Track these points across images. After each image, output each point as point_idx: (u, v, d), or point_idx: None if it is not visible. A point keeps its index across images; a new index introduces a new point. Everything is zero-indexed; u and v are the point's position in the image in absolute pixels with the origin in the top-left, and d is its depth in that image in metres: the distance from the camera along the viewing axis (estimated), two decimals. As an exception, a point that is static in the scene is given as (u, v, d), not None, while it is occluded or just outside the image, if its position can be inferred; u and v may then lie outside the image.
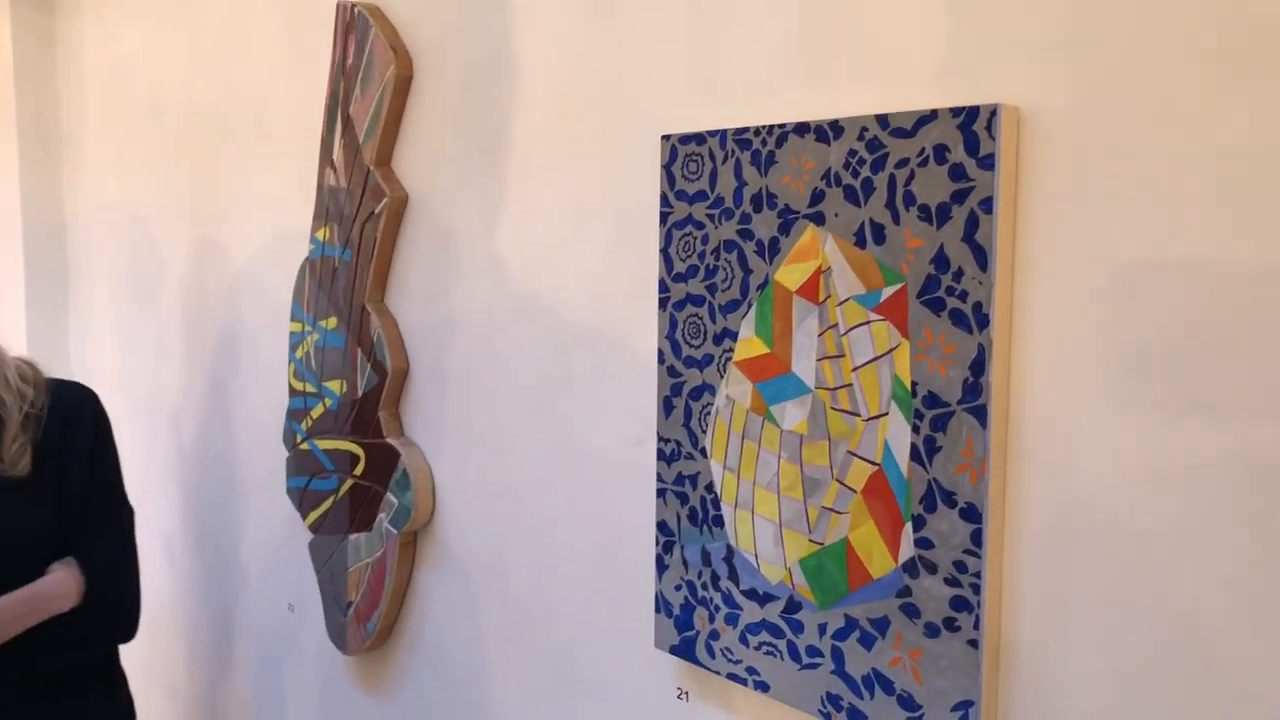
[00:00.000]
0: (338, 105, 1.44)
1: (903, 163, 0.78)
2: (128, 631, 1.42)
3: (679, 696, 1.03)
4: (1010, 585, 0.76)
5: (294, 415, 1.58)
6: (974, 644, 0.76)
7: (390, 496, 1.38)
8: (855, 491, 0.83)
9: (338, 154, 1.44)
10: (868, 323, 0.82)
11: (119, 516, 1.44)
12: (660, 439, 1.00)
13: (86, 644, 1.39)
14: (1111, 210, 0.69)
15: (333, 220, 1.46)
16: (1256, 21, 0.63)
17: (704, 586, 0.97)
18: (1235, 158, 0.64)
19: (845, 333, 0.83)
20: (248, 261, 1.75)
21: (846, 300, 0.83)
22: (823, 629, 0.86)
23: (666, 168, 0.97)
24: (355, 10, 1.39)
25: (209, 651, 1.51)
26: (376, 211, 1.37)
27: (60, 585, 1.34)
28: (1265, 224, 0.63)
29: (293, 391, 1.58)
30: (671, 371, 0.99)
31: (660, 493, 1.00)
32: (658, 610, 1.01)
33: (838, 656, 0.85)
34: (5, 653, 1.32)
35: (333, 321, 1.47)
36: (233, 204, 1.78)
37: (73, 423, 1.42)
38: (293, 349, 1.57)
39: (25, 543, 1.39)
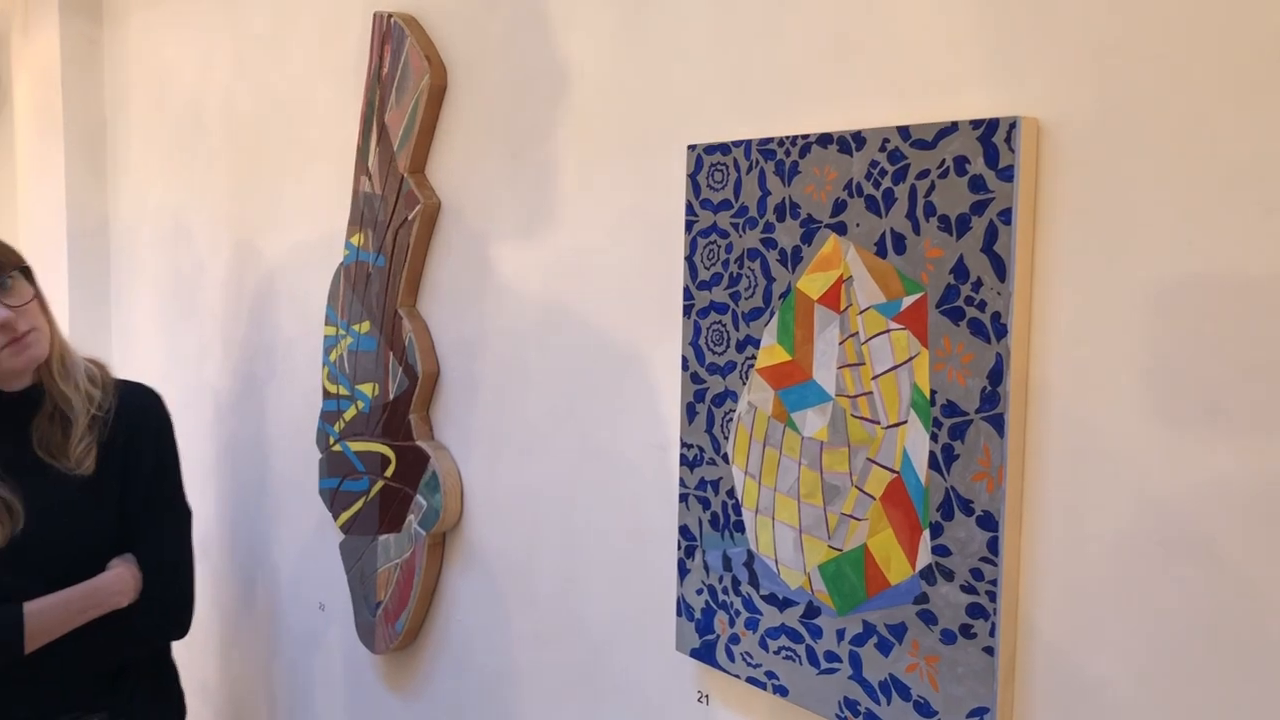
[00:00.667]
0: (373, 113, 1.47)
1: (923, 174, 0.79)
2: (180, 630, 1.48)
3: (699, 700, 1.04)
4: (1027, 593, 0.76)
5: (327, 417, 1.61)
6: (990, 651, 0.77)
7: (419, 498, 1.40)
8: (874, 498, 0.84)
9: (373, 161, 1.47)
10: (888, 331, 0.83)
11: (178, 518, 1.50)
12: (683, 444, 1.01)
13: (140, 640, 1.44)
14: (1129, 222, 0.70)
15: (367, 226, 1.49)
16: (1270, 33, 0.63)
17: (725, 591, 0.98)
18: (1254, 171, 0.64)
19: (866, 341, 0.84)
20: (285, 266, 1.78)
21: (867, 309, 0.84)
22: (841, 634, 0.87)
23: (692, 177, 0.99)
24: (391, 20, 1.41)
25: (241, 650, 1.54)
26: (410, 218, 1.40)
27: (119, 581, 1.39)
28: (1274, 238, 0.63)
29: (326, 394, 1.61)
30: (695, 378, 1.00)
31: (683, 498, 1.02)
32: (679, 614, 1.02)
33: (855, 662, 0.86)
34: (63, 645, 1.35)
35: (366, 326, 1.50)
36: (271, 209, 1.81)
37: (138, 424, 1.47)
38: (327, 352, 1.60)
39: (89, 540, 1.43)
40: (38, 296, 1.39)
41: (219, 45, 1.96)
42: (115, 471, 1.44)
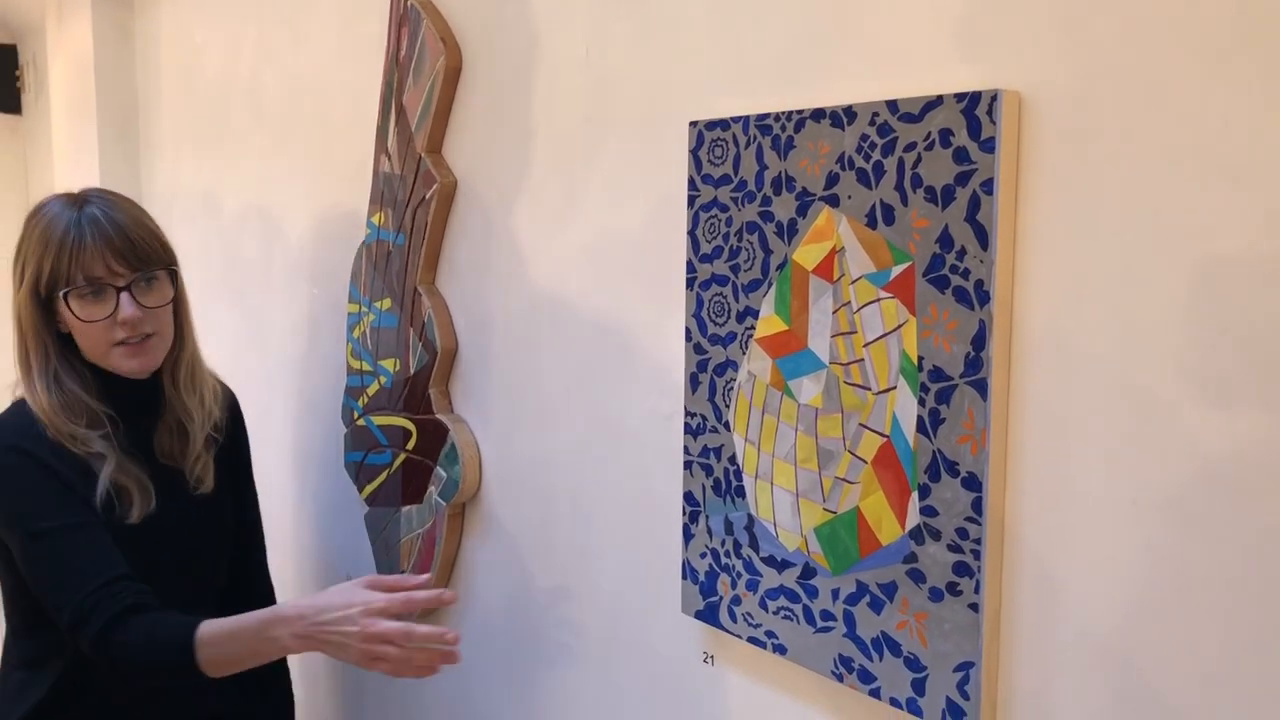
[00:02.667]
0: (392, 95, 1.51)
1: (910, 146, 0.82)
2: None
3: (705, 660, 1.07)
4: (1010, 551, 0.79)
5: (351, 393, 1.66)
6: (975, 608, 0.80)
7: (439, 470, 1.44)
8: (866, 462, 0.87)
9: (392, 142, 1.51)
10: (878, 300, 0.85)
11: (262, 529, 1.55)
12: (687, 413, 1.04)
13: None
14: (1106, 190, 0.72)
15: (387, 205, 1.53)
16: (1243, 4, 0.65)
17: (727, 554, 1.01)
18: (1223, 139, 0.66)
19: (857, 310, 0.87)
20: (310, 245, 1.83)
21: (859, 279, 0.87)
22: (836, 594, 0.90)
23: (694, 152, 1.01)
24: (408, 3, 1.45)
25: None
26: (427, 197, 1.43)
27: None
28: (1252, 203, 0.65)
29: (350, 370, 1.65)
30: (698, 349, 1.03)
31: (687, 465, 1.05)
32: (684, 577, 1.06)
33: (849, 620, 0.89)
34: None
35: (387, 303, 1.54)
36: (296, 189, 1.86)
37: (233, 434, 1.48)
38: (350, 329, 1.65)
39: (218, 559, 1.43)
40: (177, 300, 1.35)
41: (245, 29, 2.01)
42: (228, 484, 1.44)
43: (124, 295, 1.27)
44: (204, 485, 1.38)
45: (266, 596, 1.55)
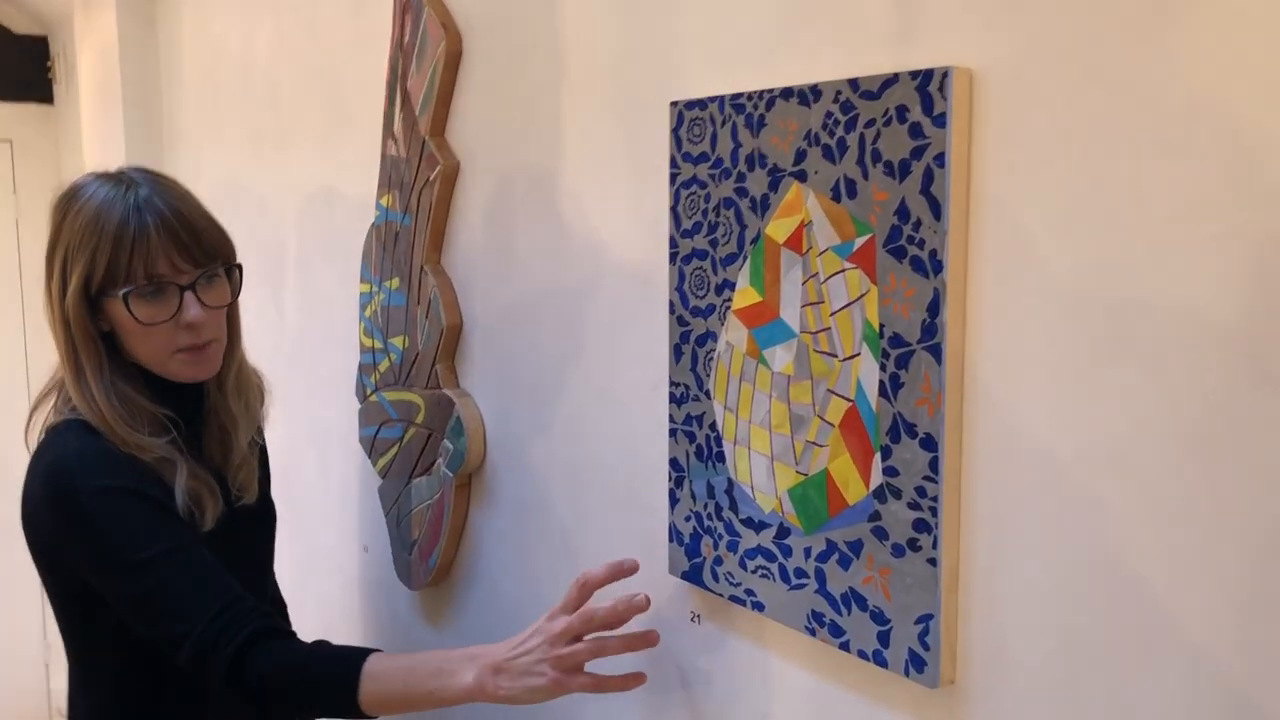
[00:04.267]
0: (397, 80, 1.55)
1: (870, 123, 0.85)
2: None
3: (692, 619, 1.12)
4: (966, 507, 0.83)
5: (364, 370, 1.71)
6: (933, 562, 0.84)
7: (446, 442, 1.49)
8: (833, 426, 0.91)
9: (398, 126, 1.56)
10: (842, 271, 0.89)
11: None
12: (672, 383, 1.09)
13: None
14: (1050, 160, 0.75)
15: (394, 188, 1.58)
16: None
17: (709, 517, 1.05)
18: (1157, 109, 0.69)
19: (824, 281, 0.91)
20: (324, 227, 1.89)
21: (825, 251, 0.91)
22: (808, 552, 0.95)
23: (675, 131, 1.05)
24: (410, -9, 1.49)
25: (290, 593, 1.65)
26: (431, 179, 1.48)
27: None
28: (1186, 169, 0.68)
29: (363, 348, 1.71)
30: (681, 321, 1.07)
31: (672, 432, 1.09)
32: (671, 540, 1.10)
33: (820, 577, 0.94)
34: None
35: (396, 282, 1.59)
36: (310, 174, 1.91)
37: (262, 433, 1.41)
38: (362, 308, 1.70)
39: (268, 573, 1.38)
40: (233, 300, 1.25)
41: (261, 18, 2.06)
42: (268, 490, 1.38)
43: (188, 295, 1.16)
44: (247, 494, 1.28)
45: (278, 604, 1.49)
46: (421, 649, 1.65)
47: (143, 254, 1.13)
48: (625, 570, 1.10)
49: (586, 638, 1.06)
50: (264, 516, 1.38)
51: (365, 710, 1.08)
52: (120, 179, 1.18)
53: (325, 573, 1.96)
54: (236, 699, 1.09)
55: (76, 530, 1.12)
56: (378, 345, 1.67)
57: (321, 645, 1.12)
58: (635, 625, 1.19)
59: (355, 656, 1.09)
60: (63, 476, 1.12)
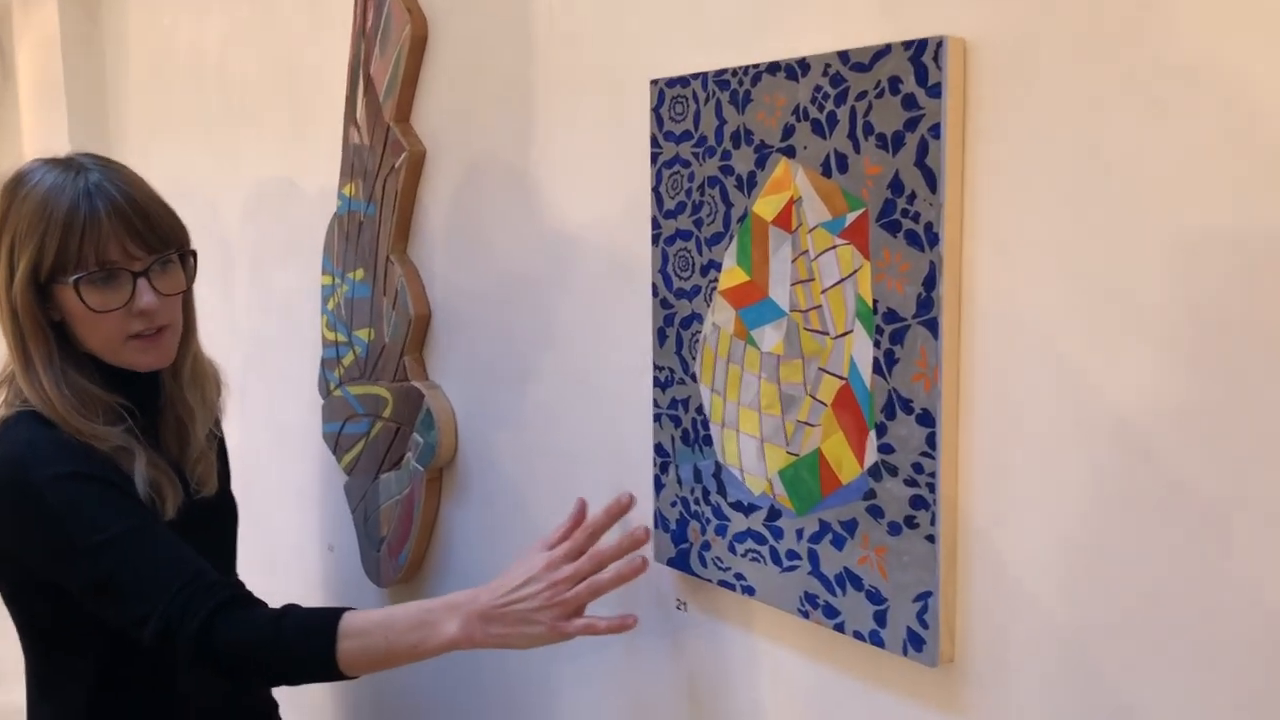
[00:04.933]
0: (359, 66, 1.52)
1: (862, 95, 0.84)
2: None
3: (679, 607, 1.10)
4: (964, 483, 0.82)
5: (328, 364, 1.67)
6: (931, 539, 0.83)
7: (416, 436, 1.46)
8: (826, 405, 0.90)
9: (360, 113, 1.52)
10: (834, 247, 0.88)
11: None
12: (655, 367, 1.07)
13: None
14: (1045, 129, 0.75)
15: (357, 176, 1.54)
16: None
17: (696, 501, 1.04)
18: (1154, 78, 0.69)
19: (815, 258, 0.90)
20: (284, 221, 1.84)
21: (815, 227, 0.89)
22: (800, 534, 0.93)
23: (655, 110, 1.04)
24: (373, -25, 1.46)
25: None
26: (397, 166, 1.45)
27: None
28: (1182, 136, 0.68)
29: (326, 342, 1.67)
30: (664, 304, 1.05)
31: (656, 417, 1.08)
32: (656, 526, 1.09)
33: (813, 558, 0.92)
34: None
35: (360, 273, 1.56)
36: (267, 167, 1.87)
37: (220, 425, 1.37)
38: (324, 301, 1.66)
39: (231, 570, 1.32)
40: (188, 288, 1.22)
41: (213, 7, 2.01)
42: (227, 483, 1.34)
43: (141, 281, 1.13)
44: (206, 487, 1.25)
45: None
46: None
47: (94, 240, 1.10)
48: (623, 508, 1.09)
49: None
50: (225, 510, 1.34)
51: (344, 670, 1.05)
52: (69, 164, 1.15)
53: (288, 574, 1.92)
54: (207, 672, 1.06)
55: (33, 521, 1.08)
56: (341, 339, 1.63)
57: (292, 608, 1.09)
58: (625, 611, 1.17)
59: (329, 616, 1.06)
60: (15, 469, 1.09)
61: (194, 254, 1.22)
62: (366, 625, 1.05)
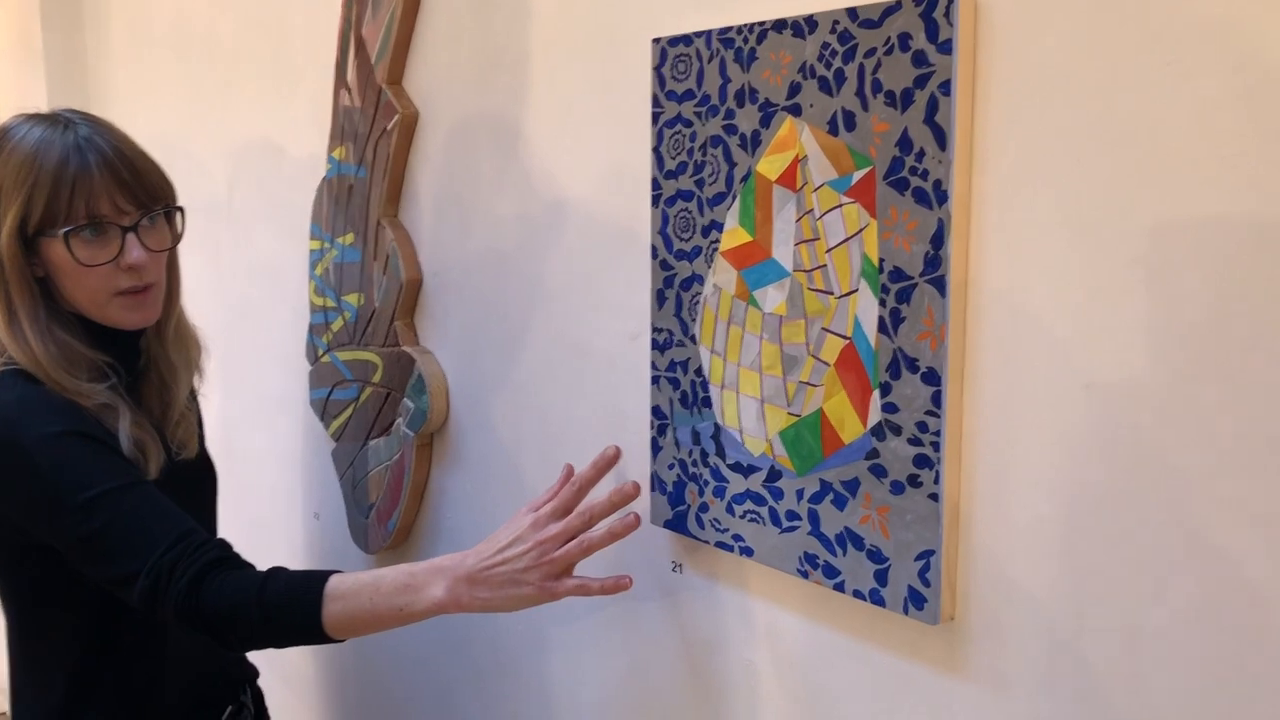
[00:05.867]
0: (351, 28, 1.50)
1: (870, 52, 0.84)
2: None
3: (674, 569, 1.10)
4: (968, 441, 0.82)
5: (315, 330, 1.66)
6: (934, 498, 0.83)
7: (407, 401, 1.45)
8: (829, 365, 0.90)
9: (351, 75, 1.50)
10: (840, 206, 0.88)
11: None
12: (654, 329, 1.07)
13: None
14: (1059, 85, 0.74)
15: (348, 139, 1.52)
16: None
17: (694, 464, 1.04)
18: (1167, 28, 0.69)
19: (820, 217, 0.89)
20: (271, 185, 1.82)
21: (821, 186, 0.89)
22: (800, 494, 0.93)
23: (657, 69, 1.03)
24: (365, -67, 1.44)
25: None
26: (389, 129, 1.43)
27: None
28: (1196, 92, 0.68)
29: (313, 308, 1.66)
30: (664, 265, 1.05)
31: (654, 380, 1.07)
32: (653, 489, 1.08)
33: (814, 519, 0.92)
34: None
35: (350, 237, 1.54)
36: (254, 130, 1.84)
37: (197, 390, 1.35)
38: (312, 266, 1.65)
39: (214, 532, 1.30)
40: (175, 245, 1.21)
41: (196, -31, 1.98)
42: (205, 445, 1.33)
43: (130, 236, 1.12)
44: (187, 450, 1.25)
45: None
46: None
47: (84, 193, 1.09)
48: (609, 460, 1.07)
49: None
50: (205, 472, 1.33)
51: (330, 633, 1.04)
52: (55, 119, 1.14)
53: (273, 542, 1.90)
54: (193, 631, 1.06)
55: (23, 480, 1.07)
56: (330, 304, 1.62)
57: (279, 570, 1.08)
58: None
59: (316, 578, 1.05)
60: (4, 429, 1.08)
61: (181, 210, 1.22)
62: (353, 588, 1.04)
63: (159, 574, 1.04)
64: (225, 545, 1.10)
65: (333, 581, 1.05)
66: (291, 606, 1.04)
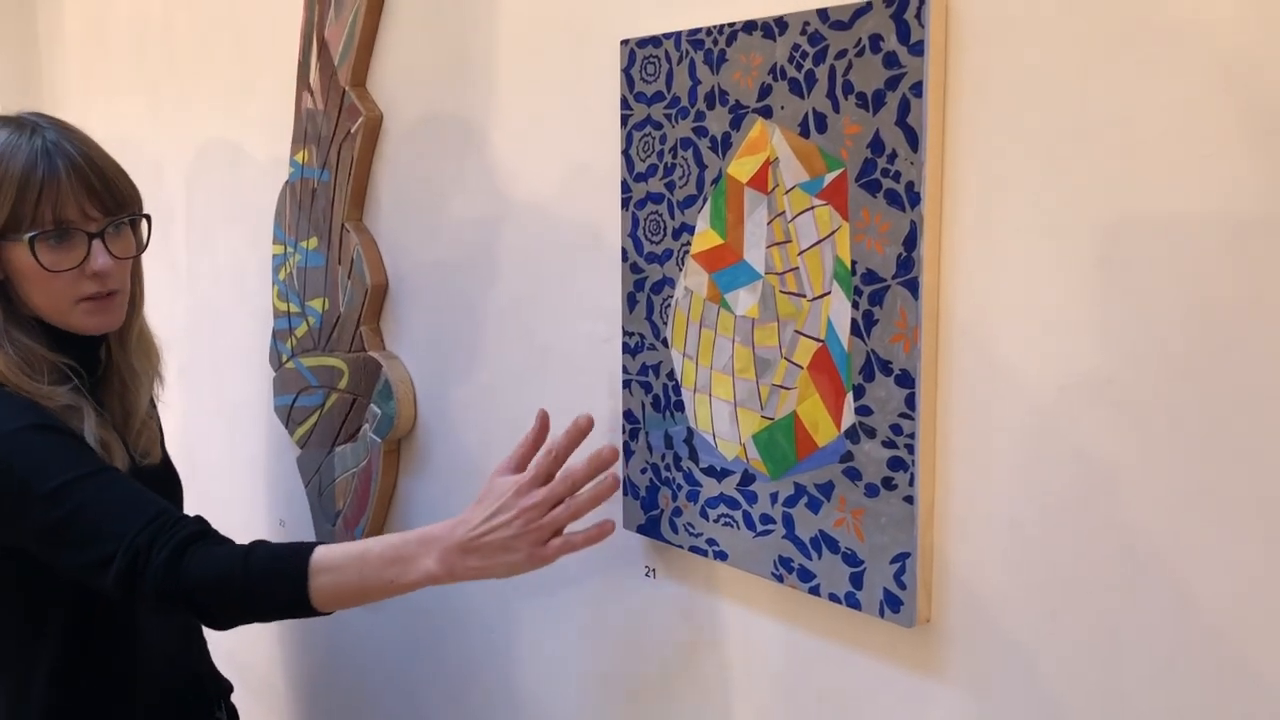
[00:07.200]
0: (313, 29, 1.48)
1: (841, 54, 0.83)
2: None
3: (647, 574, 1.10)
4: (943, 443, 0.82)
5: (279, 335, 1.64)
6: (910, 500, 0.83)
7: (374, 407, 1.43)
8: (802, 368, 0.89)
9: (314, 77, 1.48)
10: (812, 208, 0.87)
11: None
12: (625, 333, 1.06)
13: None
14: (1030, 88, 0.74)
15: (311, 142, 1.50)
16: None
17: (667, 468, 1.03)
18: (1140, 28, 0.69)
19: (792, 219, 0.89)
20: (231, 189, 1.79)
21: (792, 188, 0.89)
22: (774, 498, 0.93)
23: (626, 71, 1.02)
24: (327, -67, 1.42)
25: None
26: (352, 131, 1.42)
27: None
28: (1167, 92, 0.68)
29: (277, 313, 1.63)
30: (634, 268, 1.04)
31: (626, 384, 1.06)
32: (625, 494, 1.07)
33: (788, 522, 0.92)
34: None
35: (313, 242, 1.52)
36: (214, 133, 1.81)
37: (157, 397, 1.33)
38: (275, 271, 1.62)
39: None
40: (140, 253, 1.21)
41: (153, -31, 1.95)
42: (167, 453, 1.31)
43: (96, 243, 1.11)
44: (150, 458, 1.23)
45: None
46: (350, 624, 1.58)
47: (51, 198, 1.08)
48: (582, 430, 1.03)
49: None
50: (170, 479, 1.31)
51: (317, 605, 1.02)
52: (21, 122, 1.12)
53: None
54: (175, 609, 1.04)
55: None
56: (294, 309, 1.59)
57: (261, 543, 1.06)
58: (587, 581, 1.16)
59: (301, 550, 1.03)
60: None
61: (148, 218, 1.20)
62: (340, 560, 1.02)
63: (136, 552, 1.02)
64: (203, 520, 1.07)
65: (319, 553, 1.02)
66: (277, 579, 1.02)
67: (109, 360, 1.23)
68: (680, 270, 0.99)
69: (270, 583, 1.02)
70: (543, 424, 1.06)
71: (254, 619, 1.08)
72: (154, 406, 1.31)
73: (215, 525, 1.08)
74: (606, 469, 1.02)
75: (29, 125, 1.11)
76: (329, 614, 1.05)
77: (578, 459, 1.02)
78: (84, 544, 1.04)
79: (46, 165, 1.07)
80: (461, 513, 1.03)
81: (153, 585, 1.02)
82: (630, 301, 1.05)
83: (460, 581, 1.02)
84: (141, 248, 1.20)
